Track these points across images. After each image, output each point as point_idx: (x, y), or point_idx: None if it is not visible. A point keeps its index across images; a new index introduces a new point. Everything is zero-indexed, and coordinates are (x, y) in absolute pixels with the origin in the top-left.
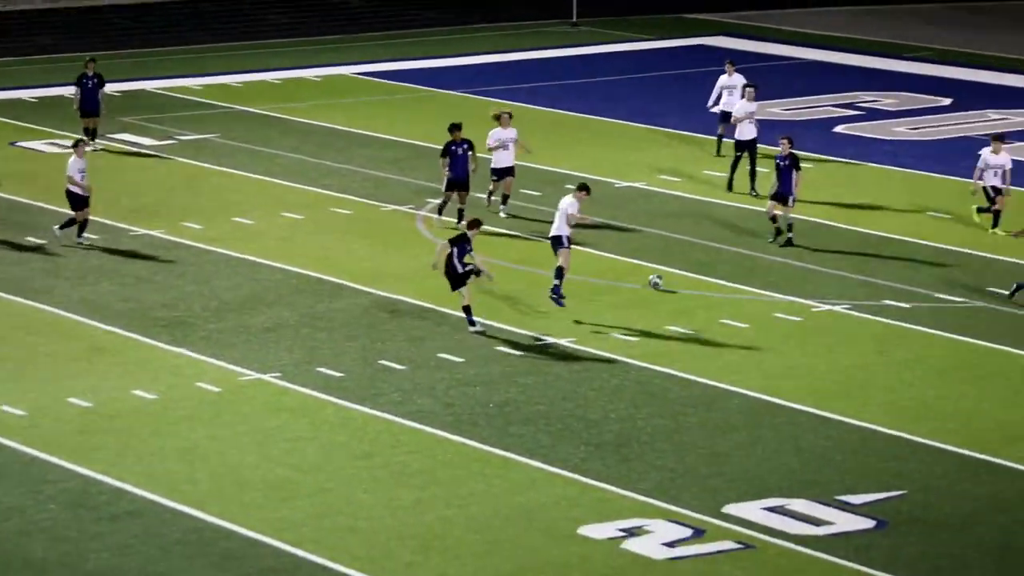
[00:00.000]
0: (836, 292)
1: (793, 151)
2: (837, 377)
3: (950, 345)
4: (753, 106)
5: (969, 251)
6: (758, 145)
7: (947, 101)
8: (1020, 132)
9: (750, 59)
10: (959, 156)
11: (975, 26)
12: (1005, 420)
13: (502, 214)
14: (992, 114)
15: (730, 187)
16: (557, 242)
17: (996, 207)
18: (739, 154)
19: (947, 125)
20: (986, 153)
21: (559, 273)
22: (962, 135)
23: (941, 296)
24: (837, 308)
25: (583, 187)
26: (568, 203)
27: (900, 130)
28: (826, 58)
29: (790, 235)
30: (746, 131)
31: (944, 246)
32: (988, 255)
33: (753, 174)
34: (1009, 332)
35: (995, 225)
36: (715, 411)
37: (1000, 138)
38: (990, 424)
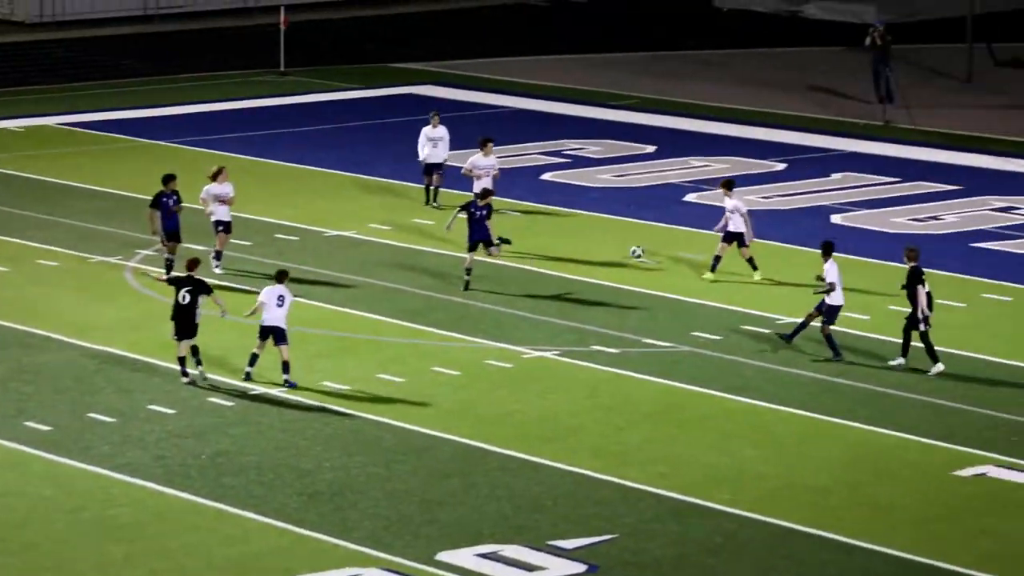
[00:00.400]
0: (546, 338)
1: (489, 202)
2: (548, 423)
3: (658, 389)
4: (491, 160)
5: (675, 296)
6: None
7: (651, 148)
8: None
9: (459, 107)
10: (662, 202)
11: (676, 75)
12: (712, 463)
13: (217, 269)
14: (694, 161)
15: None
16: (279, 334)
17: (746, 254)
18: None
19: (651, 172)
20: (727, 201)
21: (287, 368)
22: (665, 182)
23: (648, 341)
24: (547, 354)
25: (284, 273)
26: (290, 296)
27: (605, 177)
28: (533, 106)
29: (495, 245)
30: (482, 185)
31: (650, 291)
32: (693, 300)
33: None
34: (714, 376)
35: (755, 269)
36: (428, 458)
37: (729, 185)
38: (697, 467)
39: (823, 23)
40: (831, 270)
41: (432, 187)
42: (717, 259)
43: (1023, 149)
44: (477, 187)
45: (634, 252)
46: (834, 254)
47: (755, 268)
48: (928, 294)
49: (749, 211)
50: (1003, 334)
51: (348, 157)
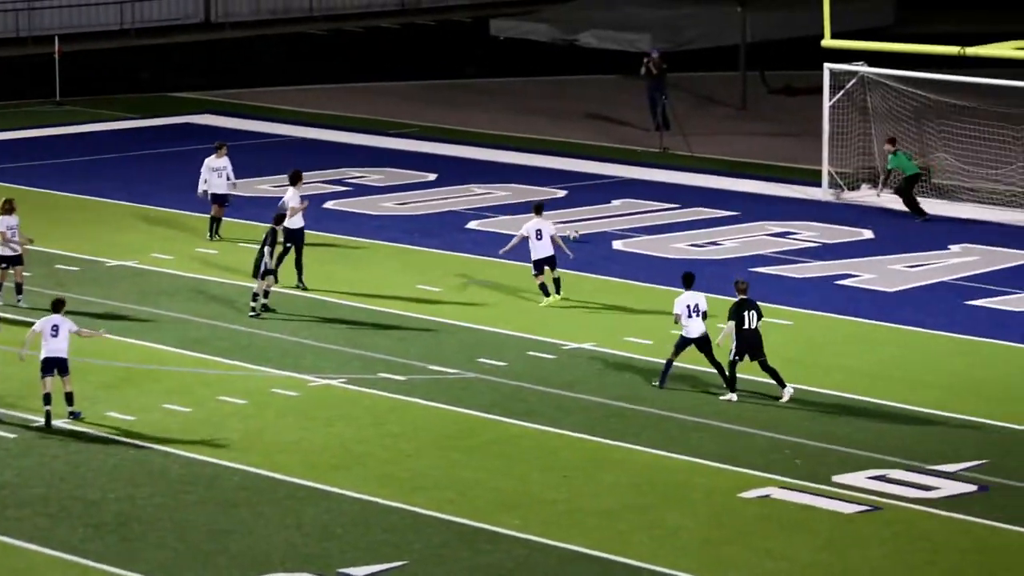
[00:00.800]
0: (332, 366)
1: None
2: (336, 450)
3: (445, 416)
4: (299, 197)
5: (460, 323)
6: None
7: (432, 176)
8: (504, 206)
9: (238, 136)
10: (445, 229)
11: (456, 103)
12: (500, 488)
13: (22, 303)
14: (476, 188)
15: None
16: (61, 365)
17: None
18: (288, 244)
19: (433, 200)
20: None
21: (70, 399)
22: (448, 209)
23: (434, 368)
24: (334, 382)
25: (60, 303)
26: (68, 325)
27: (388, 205)
28: (313, 135)
29: (265, 301)
30: (296, 220)
31: (435, 318)
32: (479, 327)
33: (299, 265)
34: (499, 402)
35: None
36: (216, 488)
37: (538, 208)
38: (486, 492)
39: (599, 51)
40: (677, 302)
41: (216, 218)
42: (542, 285)
43: (798, 175)
44: (290, 223)
45: (569, 236)
46: (692, 287)
47: (547, 294)
48: (753, 330)
49: (535, 237)
50: (782, 357)
51: (127, 187)
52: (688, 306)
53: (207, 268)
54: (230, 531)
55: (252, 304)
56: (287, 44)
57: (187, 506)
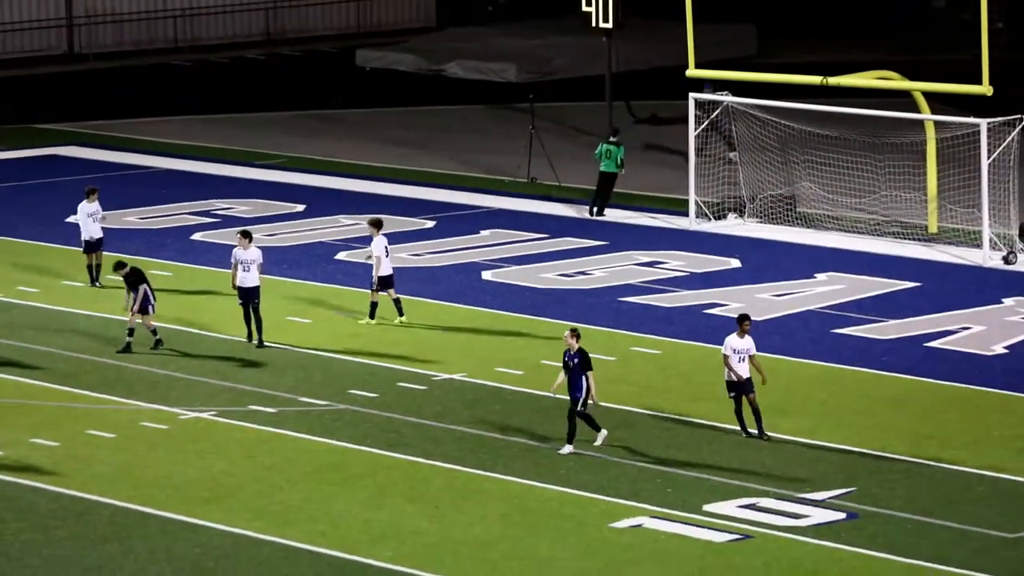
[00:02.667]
0: (202, 399)
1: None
2: (207, 484)
3: (316, 448)
4: (252, 253)
5: (329, 354)
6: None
7: (300, 207)
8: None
9: (104, 168)
10: (314, 260)
11: (322, 133)
12: (372, 520)
13: None
14: (345, 219)
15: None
16: None
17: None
18: (241, 302)
19: (301, 231)
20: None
21: None
22: (317, 240)
23: (305, 400)
24: (204, 415)
25: None
26: None
27: (256, 236)
28: (180, 166)
29: (157, 338)
30: (249, 280)
31: (305, 350)
32: (349, 358)
33: (252, 320)
34: (371, 433)
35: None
36: (86, 523)
37: (378, 224)
38: (358, 524)
39: (465, 82)
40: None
41: (95, 265)
42: (374, 305)
43: (665, 204)
44: (245, 281)
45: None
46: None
47: (373, 316)
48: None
49: (384, 255)
50: (653, 387)
51: None
52: (734, 349)
53: (74, 301)
54: (100, 566)
55: (128, 339)
56: (152, 75)
57: (57, 542)
